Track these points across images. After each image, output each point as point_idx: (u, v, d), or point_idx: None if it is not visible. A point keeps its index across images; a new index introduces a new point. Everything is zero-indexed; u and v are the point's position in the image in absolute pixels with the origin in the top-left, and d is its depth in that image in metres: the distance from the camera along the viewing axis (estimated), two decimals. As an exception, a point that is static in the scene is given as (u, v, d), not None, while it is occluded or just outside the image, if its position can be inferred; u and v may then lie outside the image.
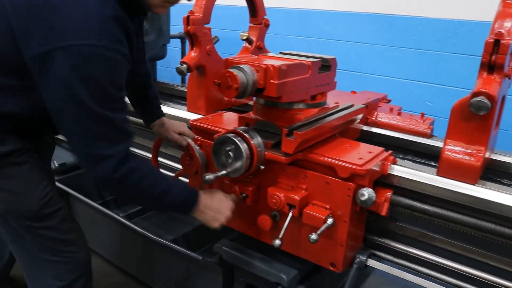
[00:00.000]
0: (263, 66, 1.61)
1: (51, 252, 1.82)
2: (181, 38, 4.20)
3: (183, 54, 4.34)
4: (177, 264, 2.54)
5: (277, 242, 1.73)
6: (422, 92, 3.48)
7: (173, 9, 2.97)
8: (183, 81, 4.44)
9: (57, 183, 2.98)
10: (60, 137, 3.27)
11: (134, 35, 1.60)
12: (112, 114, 1.48)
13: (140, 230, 2.56)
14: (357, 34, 3.73)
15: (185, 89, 3.27)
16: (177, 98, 3.28)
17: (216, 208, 1.82)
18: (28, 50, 1.44)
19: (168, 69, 4.91)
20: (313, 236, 1.66)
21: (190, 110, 2.55)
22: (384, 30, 3.59)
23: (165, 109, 2.61)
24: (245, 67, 1.61)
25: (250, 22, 2.76)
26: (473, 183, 1.74)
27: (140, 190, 1.63)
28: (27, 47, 1.44)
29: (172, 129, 2.18)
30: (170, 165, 2.67)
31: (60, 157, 3.20)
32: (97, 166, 1.51)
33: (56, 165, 3.10)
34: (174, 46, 4.38)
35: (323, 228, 1.69)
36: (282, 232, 1.75)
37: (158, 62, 3.89)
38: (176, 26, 3.51)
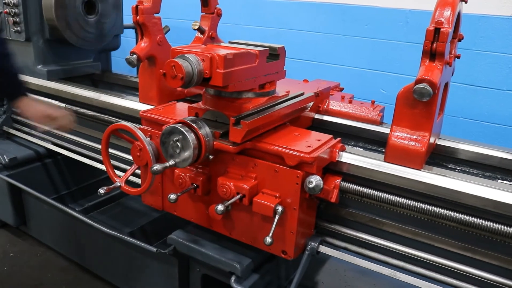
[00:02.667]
0: (208, 55, 1.59)
1: None
2: (135, 28, 4.11)
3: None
4: (134, 258, 2.51)
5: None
6: (376, 80, 3.54)
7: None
8: (138, 72, 4.38)
9: (8, 179, 2.91)
10: (11, 130, 3.21)
11: None
12: None
13: (96, 225, 2.54)
14: (312, 23, 3.75)
15: (137, 80, 3.24)
16: (131, 89, 3.24)
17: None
18: None
19: (121, 59, 4.81)
20: (268, 239, 1.67)
21: (142, 101, 2.50)
22: (338, 19, 3.62)
23: (117, 100, 2.58)
24: (191, 56, 1.60)
25: (202, 12, 2.73)
26: (419, 168, 1.78)
27: None
28: None
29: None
30: (121, 156, 2.62)
31: (10, 151, 3.12)
32: None
33: (7, 160, 3.00)
34: (129, 37, 4.30)
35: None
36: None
37: (114, 53, 3.80)
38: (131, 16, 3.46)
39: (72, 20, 2.95)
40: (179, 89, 2.55)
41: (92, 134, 2.82)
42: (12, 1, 2.92)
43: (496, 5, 3.12)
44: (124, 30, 3.57)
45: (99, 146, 2.72)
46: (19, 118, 3.28)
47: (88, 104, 2.71)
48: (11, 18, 2.98)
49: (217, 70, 1.60)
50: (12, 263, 3.05)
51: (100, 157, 2.75)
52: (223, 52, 1.62)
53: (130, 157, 2.51)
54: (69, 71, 3.20)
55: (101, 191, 1.95)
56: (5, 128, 3.31)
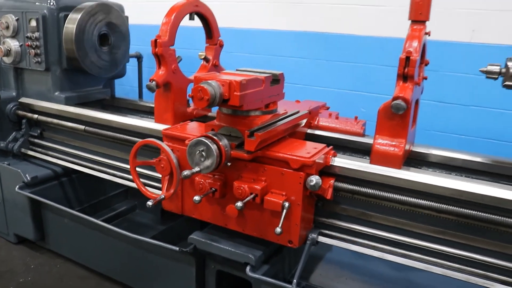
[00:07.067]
0: (227, 81, 1.99)
1: None
2: (137, 57, 4.50)
3: (139, 72, 4.62)
4: (153, 261, 2.82)
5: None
6: (356, 100, 3.97)
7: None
8: (140, 96, 4.75)
9: (31, 195, 3.22)
10: (30, 152, 3.53)
11: None
12: None
13: (120, 230, 2.85)
14: (298, 50, 4.19)
15: (145, 104, 3.63)
16: (140, 112, 3.60)
17: None
18: None
19: (121, 86, 5.15)
20: (278, 229, 2.06)
21: (157, 122, 2.87)
22: (321, 46, 4.07)
23: (135, 121, 2.94)
24: (213, 82, 1.99)
25: (206, 43, 3.14)
26: (398, 168, 2.19)
27: None
28: None
29: None
30: (141, 172, 2.96)
31: (30, 171, 3.42)
32: None
33: (29, 178, 3.31)
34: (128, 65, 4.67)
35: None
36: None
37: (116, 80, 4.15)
38: (132, 45, 3.84)
39: (89, 51, 3.31)
40: (189, 109, 2.94)
41: (110, 153, 3.15)
42: (34, 35, 3.28)
43: (456, 32, 3.61)
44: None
45: (118, 163, 3.09)
46: (35, 140, 3.60)
47: (107, 125, 3.05)
48: (33, 50, 3.32)
49: (235, 93, 2.00)
50: (34, 274, 3.33)
51: (118, 173, 3.11)
52: (238, 78, 2.03)
53: (144, 171, 2.89)
54: (83, 97, 3.54)
55: (150, 203, 2.28)
56: (22, 149, 3.61)
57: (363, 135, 2.73)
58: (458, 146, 3.72)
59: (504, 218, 1.92)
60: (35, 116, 3.49)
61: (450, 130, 3.81)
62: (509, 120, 3.59)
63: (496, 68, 2.06)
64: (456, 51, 3.67)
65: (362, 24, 3.91)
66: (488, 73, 2.09)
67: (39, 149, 3.60)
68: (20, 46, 3.41)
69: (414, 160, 2.55)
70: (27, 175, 3.35)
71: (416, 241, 2.18)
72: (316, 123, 2.84)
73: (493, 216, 1.94)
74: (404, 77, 2.16)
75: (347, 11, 3.96)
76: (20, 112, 3.56)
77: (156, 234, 3.51)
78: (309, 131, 2.79)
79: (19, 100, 3.58)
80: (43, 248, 3.60)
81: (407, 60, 2.12)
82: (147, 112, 3.53)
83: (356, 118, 2.84)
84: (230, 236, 2.44)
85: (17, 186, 3.33)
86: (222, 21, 3.24)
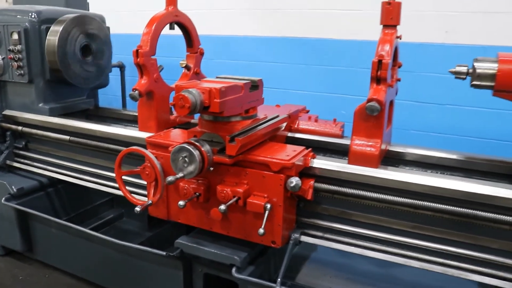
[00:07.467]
0: (207, 89, 2.06)
1: None
2: (120, 67, 4.55)
3: (122, 81, 4.67)
4: (141, 266, 2.87)
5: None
6: (336, 102, 4.08)
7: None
8: (123, 105, 4.79)
9: (18, 206, 3.25)
10: (15, 164, 3.55)
11: None
12: None
13: (108, 238, 2.90)
14: (277, 55, 4.29)
15: (128, 113, 3.68)
16: (124, 121, 3.65)
17: None
18: None
19: (105, 96, 5.19)
20: (261, 230, 2.13)
21: (141, 130, 2.92)
22: (300, 51, 4.17)
23: (119, 130, 2.99)
24: (193, 90, 2.06)
25: (187, 52, 3.20)
26: (375, 167, 2.28)
27: None
28: None
29: None
30: (127, 180, 3.01)
31: (16, 182, 3.45)
32: None
33: (15, 190, 3.34)
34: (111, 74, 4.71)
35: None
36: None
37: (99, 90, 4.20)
38: (114, 55, 3.89)
39: (72, 62, 3.36)
40: (172, 117, 3.00)
41: (95, 162, 3.18)
42: (16, 48, 3.31)
43: (430, 34, 3.74)
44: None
45: (103, 172, 3.14)
46: (20, 152, 3.62)
47: (91, 135, 3.09)
48: (15, 63, 3.36)
49: (215, 100, 2.07)
50: (23, 285, 3.35)
51: (103, 182, 3.15)
52: (218, 86, 2.10)
53: (129, 179, 2.94)
54: (67, 107, 3.58)
55: (138, 209, 2.33)
56: (8, 161, 3.63)
57: (342, 137, 2.82)
58: (435, 144, 3.85)
59: (476, 212, 2.02)
60: (20, 128, 3.52)
61: (428, 129, 3.94)
62: (484, 117, 3.72)
63: (463, 69, 2.16)
64: (430, 52, 3.80)
65: (340, 28, 4.02)
66: (456, 74, 2.18)
67: (25, 161, 3.62)
68: (3, 59, 3.44)
69: (391, 159, 2.64)
70: (13, 186, 3.37)
71: (395, 237, 2.27)
72: (296, 126, 2.93)
73: (466, 209, 2.04)
74: (377, 79, 2.25)
75: (324, 16, 4.07)
76: (4, 125, 3.58)
77: (144, 240, 3.55)
78: (289, 134, 2.87)
79: (3, 113, 3.60)
80: (31, 259, 3.61)
81: (379, 63, 2.22)
82: (131, 121, 3.58)
83: (334, 120, 2.93)
84: (216, 239, 2.51)
85: (3, 198, 3.35)
86: (203, 29, 3.32)
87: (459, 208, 2.05)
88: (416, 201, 2.13)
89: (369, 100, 2.22)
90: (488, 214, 2.00)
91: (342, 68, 4.04)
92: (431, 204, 2.10)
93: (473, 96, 3.64)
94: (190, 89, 2.06)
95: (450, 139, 3.84)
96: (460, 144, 3.79)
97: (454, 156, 2.53)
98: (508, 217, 1.97)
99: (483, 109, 3.70)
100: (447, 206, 2.07)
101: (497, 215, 1.99)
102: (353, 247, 2.34)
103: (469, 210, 2.03)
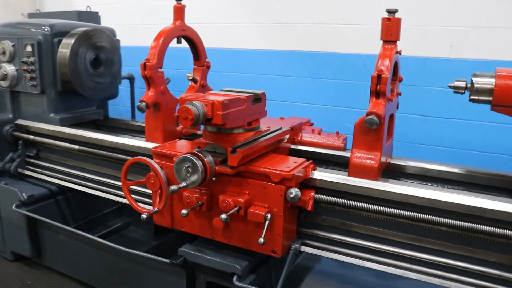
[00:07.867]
0: (210, 101, 2.13)
1: None
2: (130, 79, 4.65)
3: (132, 93, 4.77)
4: (146, 274, 2.93)
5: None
6: (341, 115, 4.13)
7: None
8: (133, 116, 4.89)
9: (28, 213, 3.34)
10: (26, 172, 3.64)
11: None
12: None
13: (115, 245, 2.96)
14: (283, 69, 4.36)
15: (137, 123, 3.76)
16: (132, 131, 3.74)
17: None
18: None
19: (115, 107, 5.29)
20: (261, 240, 2.18)
21: (148, 140, 3.00)
22: (306, 64, 4.24)
23: (126, 140, 3.07)
24: (197, 102, 2.13)
25: (194, 65, 3.29)
26: (375, 179, 2.32)
27: None
28: None
29: None
30: (135, 190, 3.07)
31: (26, 190, 3.54)
32: None
33: (25, 197, 3.42)
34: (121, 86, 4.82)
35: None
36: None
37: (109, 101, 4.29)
38: (124, 67, 3.99)
39: (82, 74, 3.46)
40: (179, 128, 3.07)
41: (103, 171, 3.27)
42: (29, 60, 3.43)
43: (435, 48, 3.78)
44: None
45: (111, 181, 3.21)
46: (31, 160, 3.72)
47: (100, 145, 3.18)
48: (28, 74, 3.47)
49: (217, 112, 2.14)
50: (31, 290, 3.43)
51: (111, 190, 3.22)
52: (220, 98, 2.16)
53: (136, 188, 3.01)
54: (77, 118, 3.68)
55: (144, 216, 2.38)
56: (19, 169, 3.73)
57: (344, 149, 2.86)
58: (441, 158, 3.87)
59: (473, 225, 2.05)
60: (31, 137, 3.62)
61: (433, 143, 3.95)
62: (489, 131, 3.74)
63: (462, 84, 2.20)
64: (435, 66, 3.83)
65: (345, 43, 4.08)
66: (455, 88, 2.23)
67: (35, 169, 3.72)
68: (16, 70, 3.56)
69: (392, 172, 2.68)
70: (23, 194, 3.46)
71: (394, 249, 2.30)
72: (299, 138, 2.98)
73: (463, 222, 2.06)
74: (376, 93, 2.30)
75: (330, 30, 4.13)
76: (17, 134, 3.69)
77: (150, 248, 3.61)
78: (292, 146, 2.92)
79: (16, 122, 3.72)
80: (40, 265, 3.69)
81: (378, 78, 2.27)
82: (139, 132, 3.67)
83: (337, 133, 2.97)
84: (218, 247, 2.56)
85: (14, 205, 3.44)
86: (210, 42, 3.40)
87: (457, 221, 2.08)
88: (414, 213, 2.16)
89: (368, 114, 2.27)
90: (486, 227, 2.03)
91: (347, 81, 4.09)
92: (429, 216, 2.13)
93: (479, 110, 3.68)
94: (193, 102, 2.13)
95: (455, 153, 3.85)
96: (465, 158, 3.80)
97: (455, 170, 2.56)
98: (505, 231, 1.99)
99: (488, 123, 3.72)
100: (445, 219, 2.10)
101: (494, 229, 2.01)
102: (352, 258, 2.38)
103: (467, 223, 2.06)
